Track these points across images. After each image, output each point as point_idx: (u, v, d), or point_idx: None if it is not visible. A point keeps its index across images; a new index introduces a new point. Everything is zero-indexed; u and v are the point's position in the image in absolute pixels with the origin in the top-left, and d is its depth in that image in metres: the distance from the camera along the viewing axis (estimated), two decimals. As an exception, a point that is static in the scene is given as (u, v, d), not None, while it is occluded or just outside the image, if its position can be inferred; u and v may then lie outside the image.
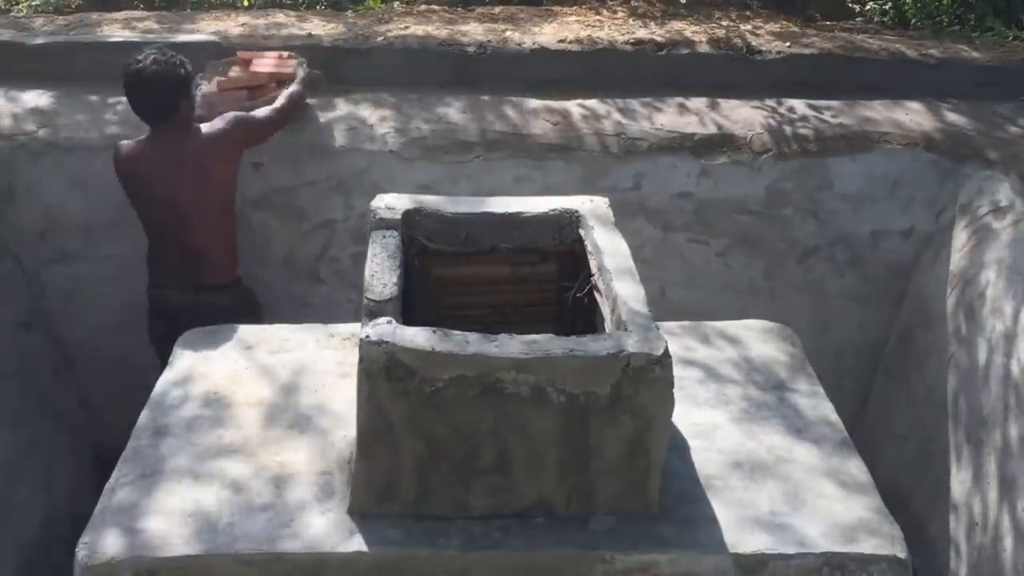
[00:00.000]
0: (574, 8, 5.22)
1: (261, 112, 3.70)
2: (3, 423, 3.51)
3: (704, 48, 4.51)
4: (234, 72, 3.99)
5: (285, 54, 4.10)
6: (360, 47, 4.38)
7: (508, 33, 4.59)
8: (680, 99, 4.32)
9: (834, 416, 2.79)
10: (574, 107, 4.22)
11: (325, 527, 2.31)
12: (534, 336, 2.22)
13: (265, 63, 4.02)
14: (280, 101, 3.76)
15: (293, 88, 3.85)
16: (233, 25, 4.57)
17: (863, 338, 4.21)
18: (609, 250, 2.63)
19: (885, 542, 2.35)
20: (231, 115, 3.60)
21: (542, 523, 2.34)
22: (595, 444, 2.28)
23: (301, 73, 3.98)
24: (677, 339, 2.99)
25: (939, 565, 3.36)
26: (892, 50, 4.64)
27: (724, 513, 2.39)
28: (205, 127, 3.55)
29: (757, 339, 3.11)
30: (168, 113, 3.48)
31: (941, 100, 4.45)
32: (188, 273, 3.60)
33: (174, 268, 3.62)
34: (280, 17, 4.77)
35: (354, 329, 2.91)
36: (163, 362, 3.54)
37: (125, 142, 3.61)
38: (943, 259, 3.89)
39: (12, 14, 5.16)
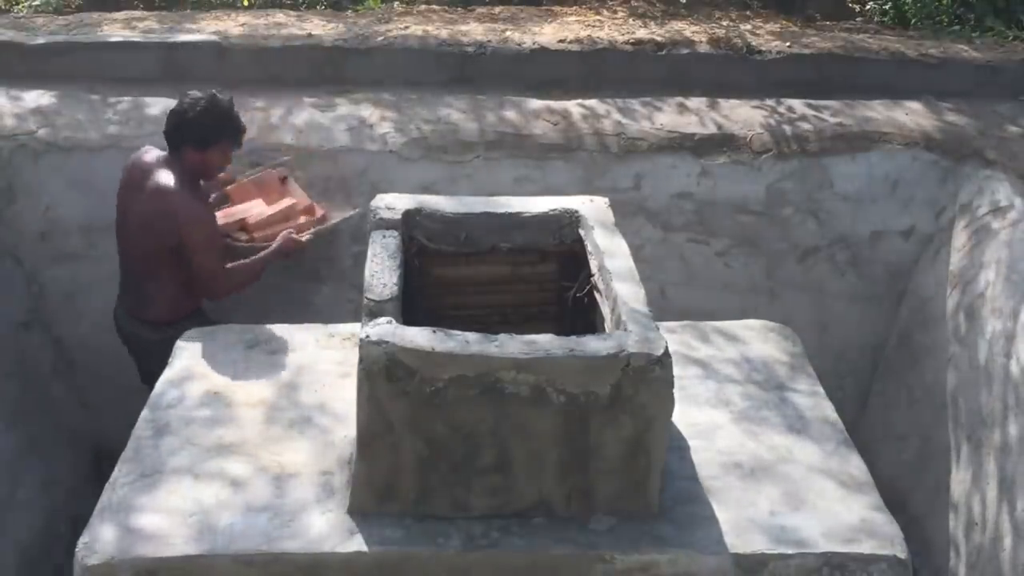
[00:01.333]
0: (574, 8, 5.23)
1: (231, 265, 3.47)
2: (3, 423, 3.51)
3: (704, 48, 4.51)
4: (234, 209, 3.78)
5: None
6: (360, 47, 4.38)
7: (508, 33, 4.59)
8: (680, 99, 4.33)
9: (834, 416, 2.79)
10: (574, 107, 4.22)
11: (325, 527, 2.31)
12: (534, 336, 2.23)
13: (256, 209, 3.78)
14: (247, 268, 3.52)
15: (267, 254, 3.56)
16: (233, 25, 4.57)
17: (863, 338, 4.21)
18: (609, 250, 2.63)
19: (885, 542, 2.35)
20: (211, 231, 3.38)
21: (542, 523, 2.34)
22: (595, 444, 2.28)
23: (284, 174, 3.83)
24: (677, 339, 2.99)
25: (939, 565, 3.36)
26: (892, 50, 4.64)
27: (724, 513, 2.39)
28: (207, 200, 3.45)
29: (757, 339, 3.10)
30: (173, 145, 3.36)
31: (941, 100, 4.45)
32: (130, 298, 3.53)
33: (124, 289, 3.56)
34: (280, 17, 4.77)
35: (354, 329, 2.91)
36: (142, 379, 3.50)
37: (147, 147, 3.50)
38: (943, 259, 3.89)
39: (12, 14, 5.17)
